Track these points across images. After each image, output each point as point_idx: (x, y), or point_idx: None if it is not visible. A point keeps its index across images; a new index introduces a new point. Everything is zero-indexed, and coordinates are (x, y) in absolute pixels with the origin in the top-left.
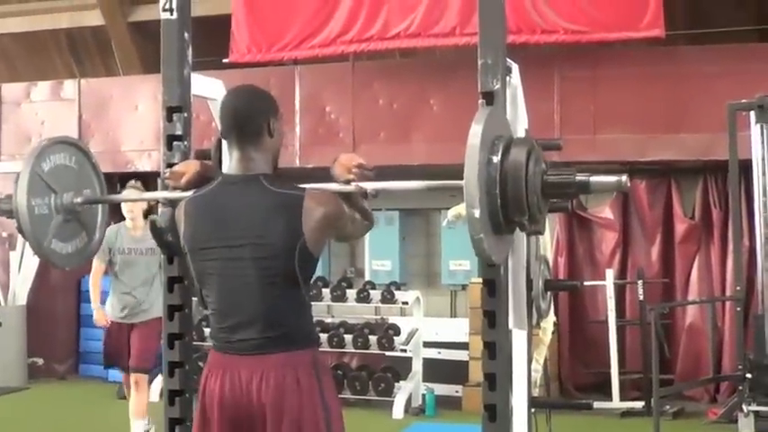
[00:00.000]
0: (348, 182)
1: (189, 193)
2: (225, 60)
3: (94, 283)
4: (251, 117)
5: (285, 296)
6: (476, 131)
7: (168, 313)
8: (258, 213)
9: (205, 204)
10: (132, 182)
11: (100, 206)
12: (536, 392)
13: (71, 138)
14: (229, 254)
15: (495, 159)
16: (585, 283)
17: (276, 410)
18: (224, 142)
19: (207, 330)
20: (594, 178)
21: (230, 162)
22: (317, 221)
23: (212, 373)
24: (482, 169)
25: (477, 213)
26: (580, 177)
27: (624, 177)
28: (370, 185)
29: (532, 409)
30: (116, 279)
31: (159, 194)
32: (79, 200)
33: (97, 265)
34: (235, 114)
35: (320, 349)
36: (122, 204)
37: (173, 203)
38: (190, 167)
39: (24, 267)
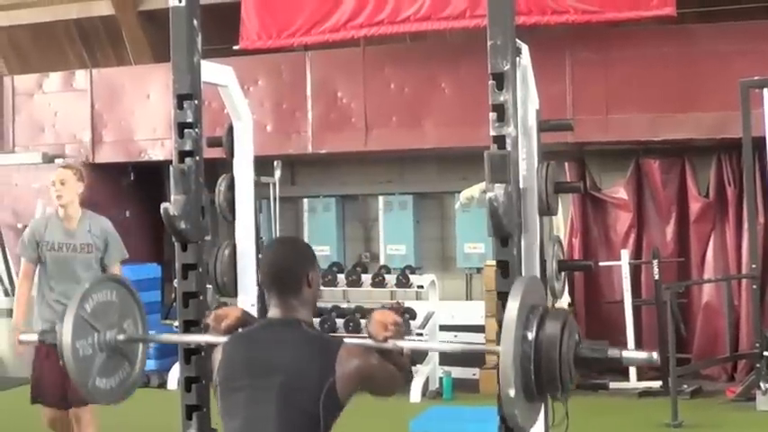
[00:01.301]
0: (386, 339)
1: (226, 338)
2: (235, 47)
3: (23, 291)
4: (291, 271)
5: None
6: (512, 306)
7: (183, 300)
8: (292, 350)
9: (242, 342)
10: (61, 162)
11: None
12: None
13: (114, 276)
14: (258, 386)
15: (531, 336)
16: (600, 264)
17: None
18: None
19: None
20: (626, 354)
21: (270, 310)
22: (350, 372)
23: None
24: (517, 346)
25: (512, 393)
26: (612, 353)
27: (655, 354)
28: (406, 345)
29: None
30: (44, 283)
31: (200, 338)
32: (122, 337)
33: (26, 265)
34: (275, 268)
35: (336, 334)
36: (51, 187)
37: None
38: (231, 313)
39: None
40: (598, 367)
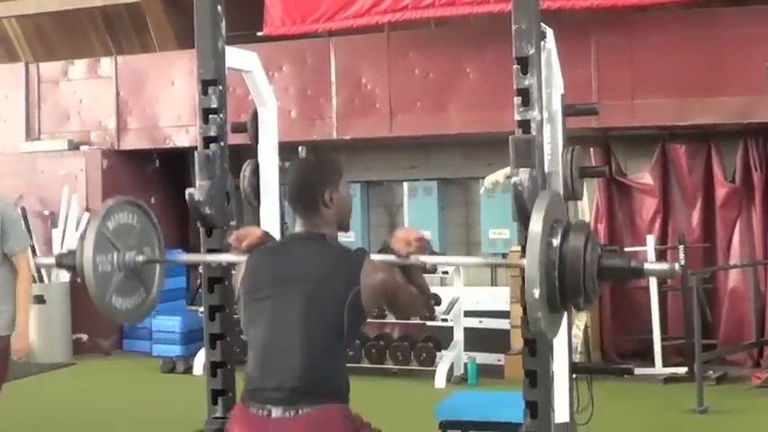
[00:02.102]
0: (408, 255)
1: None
2: (259, 33)
3: None
4: (310, 190)
5: (326, 347)
6: (536, 218)
7: (209, 286)
8: (318, 261)
9: (268, 254)
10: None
11: (158, 265)
12: (576, 358)
13: (135, 199)
14: (282, 295)
15: (555, 243)
16: (626, 249)
17: None
18: None
19: None
20: (648, 266)
21: (295, 227)
22: (375, 283)
23: (236, 430)
24: (543, 255)
25: (536, 294)
26: (634, 264)
27: (676, 265)
28: (428, 260)
29: (573, 375)
30: None
31: (222, 257)
32: (141, 258)
33: None
34: (295, 188)
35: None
36: None
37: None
38: (253, 232)
39: (66, 244)
40: (620, 278)
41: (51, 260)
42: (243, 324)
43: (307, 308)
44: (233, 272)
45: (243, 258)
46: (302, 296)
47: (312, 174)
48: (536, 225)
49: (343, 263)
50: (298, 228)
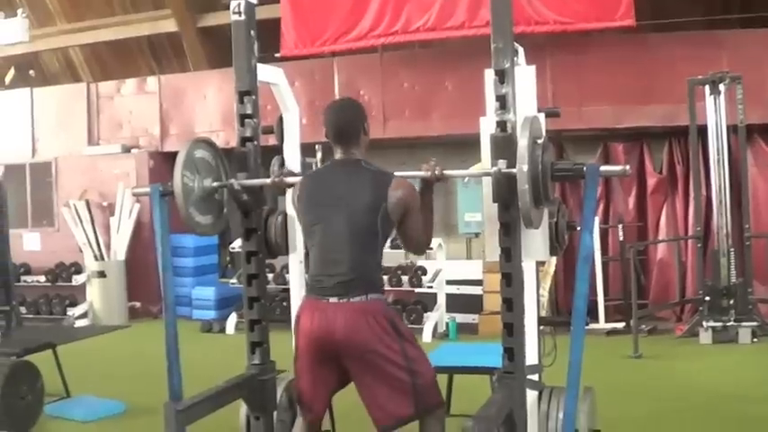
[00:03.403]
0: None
1: (296, 179)
2: (277, 55)
3: None
4: (353, 125)
5: (367, 247)
6: (524, 135)
7: (246, 258)
8: (357, 182)
9: (318, 177)
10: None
11: (225, 192)
12: (543, 313)
13: (208, 138)
14: (331, 210)
15: (538, 160)
16: (577, 228)
17: (353, 343)
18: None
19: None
20: (603, 168)
21: (336, 155)
22: (398, 198)
23: (305, 313)
24: (530, 170)
25: (528, 200)
26: (577, 165)
27: (627, 167)
28: (441, 171)
29: (540, 327)
30: None
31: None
32: (215, 184)
33: None
34: (340, 123)
35: None
36: None
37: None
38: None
39: (122, 229)
40: (571, 177)
41: (146, 188)
42: (303, 233)
43: (350, 220)
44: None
45: (290, 180)
46: (345, 211)
47: (353, 109)
48: (523, 142)
49: (376, 182)
50: (338, 156)
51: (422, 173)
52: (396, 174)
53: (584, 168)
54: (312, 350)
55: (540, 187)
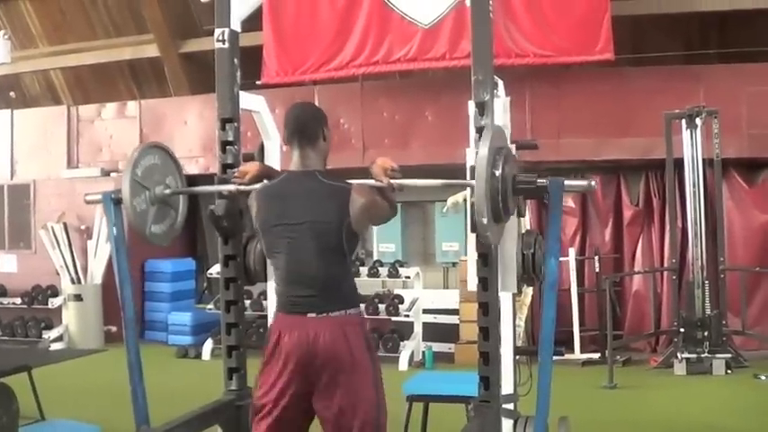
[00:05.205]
0: (386, 181)
1: (254, 186)
2: (258, 82)
3: None
4: (311, 125)
5: (335, 264)
6: (483, 147)
7: (225, 284)
8: (315, 199)
9: (273, 193)
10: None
11: (180, 199)
12: (519, 343)
13: (154, 141)
14: (293, 231)
15: (498, 173)
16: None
17: (332, 356)
18: (263, 147)
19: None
20: (568, 182)
21: (292, 161)
22: (359, 208)
23: (285, 332)
24: (488, 181)
25: (485, 221)
26: (541, 181)
27: (593, 182)
28: (398, 182)
29: (516, 356)
30: None
31: (230, 187)
32: (167, 191)
33: None
34: (298, 121)
35: None
36: None
37: (232, 196)
38: (252, 167)
39: (99, 253)
40: (533, 193)
41: (98, 196)
42: (265, 251)
43: (314, 238)
44: (248, 203)
45: (247, 188)
46: (308, 228)
47: (312, 112)
48: (483, 153)
49: (335, 197)
50: (294, 164)
51: (377, 182)
52: (349, 182)
53: (548, 182)
54: (291, 363)
55: (500, 201)
